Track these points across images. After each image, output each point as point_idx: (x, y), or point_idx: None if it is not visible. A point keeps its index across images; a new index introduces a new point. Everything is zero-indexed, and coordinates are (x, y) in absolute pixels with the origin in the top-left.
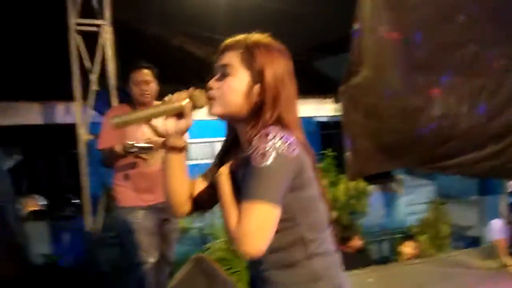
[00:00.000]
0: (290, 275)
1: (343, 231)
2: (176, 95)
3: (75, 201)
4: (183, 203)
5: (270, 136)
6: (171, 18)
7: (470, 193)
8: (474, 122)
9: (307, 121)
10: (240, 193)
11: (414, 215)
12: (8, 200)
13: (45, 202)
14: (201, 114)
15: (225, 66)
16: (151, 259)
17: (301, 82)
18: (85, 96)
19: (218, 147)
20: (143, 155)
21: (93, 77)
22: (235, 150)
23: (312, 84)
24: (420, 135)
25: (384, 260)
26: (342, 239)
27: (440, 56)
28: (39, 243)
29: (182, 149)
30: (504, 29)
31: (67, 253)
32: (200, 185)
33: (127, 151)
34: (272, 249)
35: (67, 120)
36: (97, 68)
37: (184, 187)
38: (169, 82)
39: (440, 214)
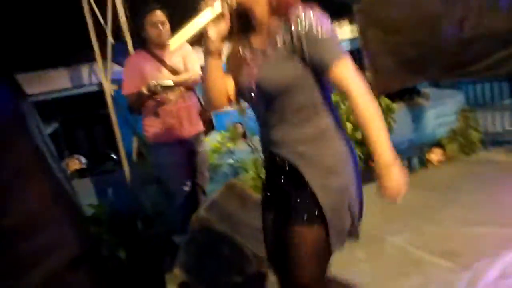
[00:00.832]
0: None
1: (369, 147)
2: (208, 2)
3: (114, 156)
4: (222, 97)
5: (313, 13)
6: None
7: (502, 97)
8: (497, 17)
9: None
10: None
11: (444, 127)
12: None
13: (86, 161)
14: None
15: None
16: (186, 188)
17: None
18: (104, 53)
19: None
20: (167, 94)
21: (108, 31)
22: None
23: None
24: (443, 43)
25: (412, 171)
26: (369, 154)
27: None
28: (87, 197)
29: (221, 53)
30: None
31: (113, 203)
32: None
33: (152, 90)
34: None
35: (94, 80)
36: (110, 21)
37: (223, 85)
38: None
39: (470, 122)
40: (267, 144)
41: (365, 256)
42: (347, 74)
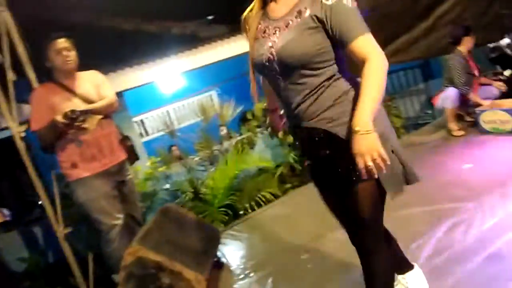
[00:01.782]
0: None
1: None
2: None
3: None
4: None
5: None
6: None
7: (416, 83)
8: (402, 4)
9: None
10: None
11: None
12: None
13: (9, 213)
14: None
15: None
16: (117, 222)
17: (234, 21)
18: (6, 92)
19: (173, 114)
20: (83, 124)
21: (6, 67)
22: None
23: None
24: None
25: None
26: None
27: None
28: (16, 251)
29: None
30: None
31: (45, 253)
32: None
33: (69, 117)
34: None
35: (3, 124)
36: (7, 55)
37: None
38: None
39: (391, 109)
40: (293, 116)
41: (308, 255)
42: (371, 44)
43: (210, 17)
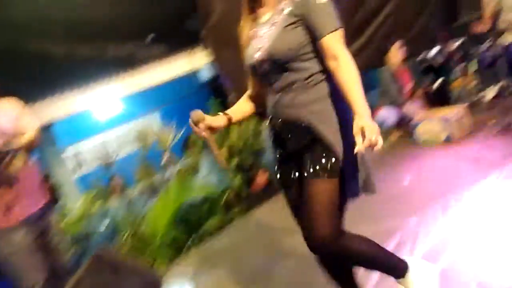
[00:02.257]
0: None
1: (249, 172)
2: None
3: None
4: (256, 109)
5: None
6: None
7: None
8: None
9: (191, 78)
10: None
11: None
12: None
13: None
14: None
15: None
16: (40, 277)
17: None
18: None
19: (113, 143)
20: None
21: None
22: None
23: (176, 38)
24: None
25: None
26: (250, 181)
27: None
28: None
29: (227, 118)
30: None
31: None
32: (255, 86)
33: None
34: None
35: None
36: None
37: (247, 112)
38: None
39: None
40: (278, 107)
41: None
42: (339, 42)
43: (149, 37)
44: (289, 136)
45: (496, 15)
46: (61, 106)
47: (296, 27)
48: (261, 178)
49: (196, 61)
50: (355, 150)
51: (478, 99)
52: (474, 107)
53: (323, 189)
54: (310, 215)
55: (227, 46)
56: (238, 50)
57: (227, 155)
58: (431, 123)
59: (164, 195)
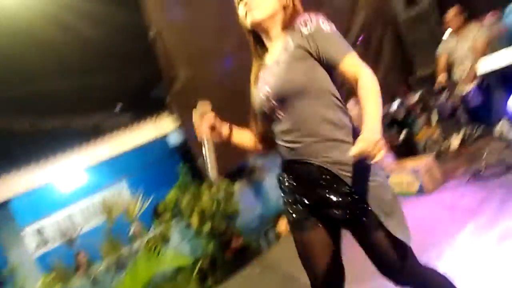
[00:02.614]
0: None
1: (223, 237)
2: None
3: None
4: (255, 146)
5: (311, 17)
6: None
7: None
8: None
9: (158, 145)
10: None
11: None
12: None
13: None
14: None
15: None
16: None
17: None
18: None
19: (78, 216)
20: None
21: None
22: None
23: (141, 104)
24: None
25: (267, 247)
26: (224, 246)
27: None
28: None
29: (228, 130)
30: None
31: None
32: (257, 125)
33: None
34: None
35: None
36: None
37: (247, 141)
38: None
39: None
40: (293, 152)
41: None
42: (358, 63)
43: (116, 106)
44: (310, 187)
45: (449, 68)
46: (21, 181)
47: (305, 60)
48: (236, 243)
49: (162, 128)
50: (350, 153)
51: (444, 148)
52: (441, 156)
53: (382, 236)
54: (385, 264)
55: (192, 111)
56: None
57: (198, 221)
58: (401, 175)
59: (132, 269)
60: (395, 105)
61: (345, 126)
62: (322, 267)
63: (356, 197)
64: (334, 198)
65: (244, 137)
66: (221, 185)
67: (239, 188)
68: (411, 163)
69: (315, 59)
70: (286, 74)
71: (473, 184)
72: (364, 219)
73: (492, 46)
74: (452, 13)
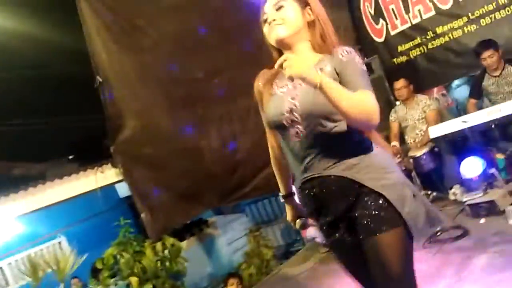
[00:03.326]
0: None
1: None
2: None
3: None
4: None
5: (350, 49)
6: None
7: (281, 211)
8: (253, 140)
9: (103, 195)
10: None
11: (238, 251)
12: None
13: None
14: None
15: (279, 1)
16: None
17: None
18: None
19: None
20: None
21: None
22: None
23: (86, 152)
24: (211, 171)
25: None
26: None
27: (198, 88)
28: None
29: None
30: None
31: None
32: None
33: None
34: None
35: None
36: None
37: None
38: None
39: (260, 240)
40: (311, 169)
41: None
42: (371, 99)
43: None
44: (331, 197)
45: (401, 134)
46: None
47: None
48: None
49: (105, 179)
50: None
51: None
52: None
53: (392, 242)
54: (387, 269)
55: (138, 165)
56: (149, 170)
57: (138, 281)
58: None
59: None
60: None
61: (361, 138)
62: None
63: (372, 193)
64: (352, 202)
65: (285, 169)
66: (167, 241)
67: (188, 245)
68: None
69: (340, 83)
70: (317, 93)
71: (428, 249)
72: (382, 214)
73: (442, 117)
74: (399, 85)
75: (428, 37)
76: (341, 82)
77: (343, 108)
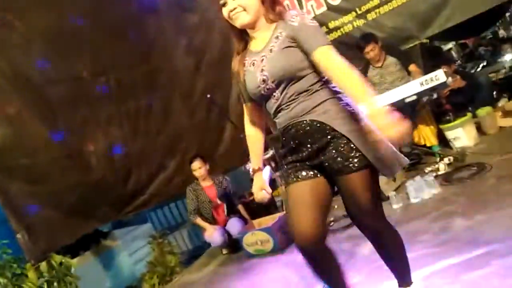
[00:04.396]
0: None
1: None
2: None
3: None
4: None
5: (298, 13)
6: None
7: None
8: (144, 143)
9: None
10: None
11: (141, 262)
12: None
13: None
14: None
15: None
16: None
17: None
18: None
19: None
20: None
21: None
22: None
23: None
24: (102, 180)
25: None
26: None
27: (81, 88)
28: None
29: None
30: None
31: None
32: (252, 112)
33: None
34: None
35: None
36: None
37: (262, 142)
38: None
39: (164, 248)
40: (289, 119)
41: None
42: (330, 54)
43: None
44: (305, 141)
45: None
46: None
47: (293, 48)
48: None
49: None
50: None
51: None
52: None
53: (360, 180)
54: (362, 202)
55: (14, 179)
56: (28, 184)
57: None
58: (257, 233)
59: None
60: (248, 165)
61: (331, 91)
62: (310, 217)
63: (343, 138)
64: (325, 144)
65: (260, 147)
66: (53, 260)
67: (82, 260)
68: (264, 221)
69: (299, 47)
70: (280, 60)
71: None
72: (350, 159)
73: None
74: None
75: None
76: (299, 46)
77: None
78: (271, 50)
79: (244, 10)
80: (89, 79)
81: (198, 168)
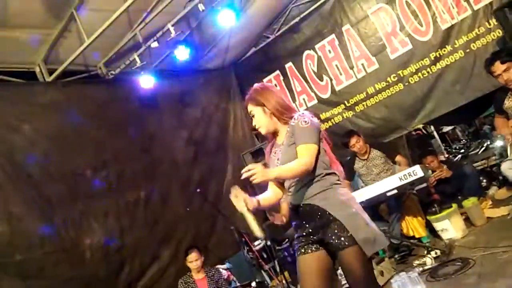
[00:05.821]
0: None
1: None
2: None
3: None
4: (276, 196)
5: (300, 115)
6: None
7: None
8: (141, 233)
9: None
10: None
11: None
12: None
13: None
14: None
15: (250, 112)
16: None
17: None
18: None
19: None
20: None
21: None
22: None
23: None
24: (94, 274)
25: None
26: None
27: (80, 183)
28: None
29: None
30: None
31: None
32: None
33: None
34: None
35: None
36: None
37: (272, 198)
38: None
39: None
40: (296, 200)
41: None
42: (304, 152)
43: None
44: (309, 219)
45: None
46: None
47: (294, 144)
48: None
49: None
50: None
51: None
52: None
53: (352, 256)
54: (357, 274)
55: (6, 273)
56: (20, 277)
57: None
58: None
59: None
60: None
61: (330, 181)
62: (315, 283)
63: (337, 221)
64: (324, 224)
65: (269, 198)
66: None
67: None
68: None
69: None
70: (286, 154)
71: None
72: (342, 238)
73: None
74: None
75: None
76: (295, 141)
77: (292, 176)
78: (283, 143)
79: (260, 127)
80: (89, 174)
81: (195, 260)
